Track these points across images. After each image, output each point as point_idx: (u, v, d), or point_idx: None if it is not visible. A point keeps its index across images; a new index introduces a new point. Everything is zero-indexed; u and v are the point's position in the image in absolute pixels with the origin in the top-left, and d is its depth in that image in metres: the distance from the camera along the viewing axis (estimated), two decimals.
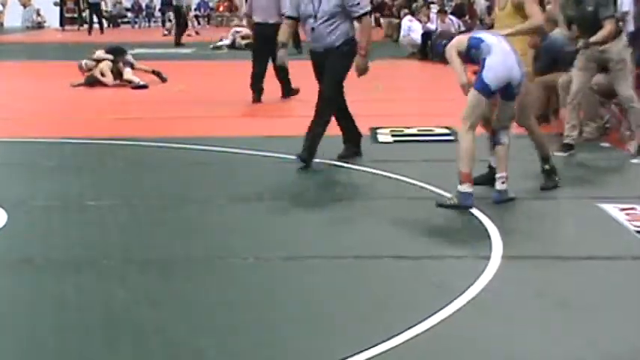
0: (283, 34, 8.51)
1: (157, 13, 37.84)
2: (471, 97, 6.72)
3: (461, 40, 6.92)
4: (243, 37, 24.15)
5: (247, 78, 12.72)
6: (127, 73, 14.86)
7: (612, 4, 8.81)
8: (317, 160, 8.25)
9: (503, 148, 6.96)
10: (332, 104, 8.32)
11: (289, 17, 8.48)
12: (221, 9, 39.05)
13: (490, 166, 7.19)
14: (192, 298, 4.95)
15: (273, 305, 4.84)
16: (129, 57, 15.41)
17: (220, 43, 24.51)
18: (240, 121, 11.01)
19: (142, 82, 14.68)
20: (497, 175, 6.90)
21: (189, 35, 27.95)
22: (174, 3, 25.66)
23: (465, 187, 6.66)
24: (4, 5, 32.39)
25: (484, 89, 6.66)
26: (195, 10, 36.06)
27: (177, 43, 25.12)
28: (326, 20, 8.12)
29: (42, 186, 7.62)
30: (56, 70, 16.55)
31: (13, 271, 5.49)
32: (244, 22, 32.86)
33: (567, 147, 8.80)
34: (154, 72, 15.36)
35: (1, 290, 5.17)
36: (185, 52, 23.48)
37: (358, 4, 8.14)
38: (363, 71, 8.40)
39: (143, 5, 38.87)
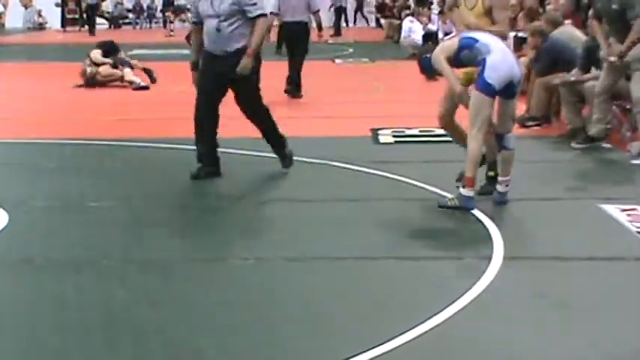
0: (194, 51, 8.01)
1: (159, 14, 37.85)
2: (474, 100, 6.60)
3: (448, 46, 6.75)
4: None
5: None
6: (128, 74, 14.84)
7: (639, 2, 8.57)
8: (318, 161, 8.25)
9: (510, 153, 6.87)
10: (260, 108, 8.05)
11: (194, 23, 7.95)
12: None
13: (488, 177, 7.12)
14: (192, 298, 4.95)
15: (273, 305, 4.83)
16: (122, 54, 15.38)
17: None
18: (241, 122, 10.99)
19: (142, 83, 14.66)
20: (501, 178, 6.86)
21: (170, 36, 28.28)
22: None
23: (468, 191, 6.64)
24: (5, 6, 32.39)
25: (487, 89, 6.54)
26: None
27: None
28: (224, 20, 7.62)
29: (42, 186, 7.62)
30: (57, 71, 16.55)
31: (14, 271, 5.49)
32: None
33: (590, 139, 8.91)
34: (145, 70, 15.28)
35: (2, 290, 5.17)
36: (186, 53, 23.45)
37: (255, 4, 7.65)
38: (244, 70, 7.60)
39: (144, 6, 38.89)
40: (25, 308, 4.81)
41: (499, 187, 6.85)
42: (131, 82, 14.69)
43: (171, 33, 30.39)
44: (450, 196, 6.80)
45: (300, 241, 6.06)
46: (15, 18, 35.29)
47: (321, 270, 5.45)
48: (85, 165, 8.64)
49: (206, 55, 7.77)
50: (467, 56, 6.65)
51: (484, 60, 6.53)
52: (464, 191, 6.64)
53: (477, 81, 6.61)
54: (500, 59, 6.55)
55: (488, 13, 6.95)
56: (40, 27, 37.11)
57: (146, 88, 14.59)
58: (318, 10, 13.81)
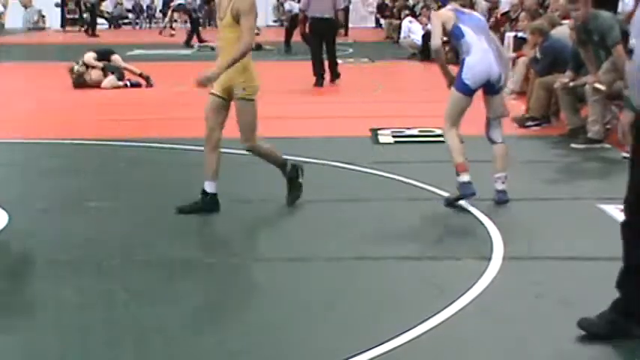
0: None
1: (158, 14, 37.81)
2: (452, 97, 6.86)
3: (449, 17, 6.86)
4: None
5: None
6: (108, 81, 14.77)
7: (616, 28, 8.75)
8: (317, 161, 8.25)
9: (500, 147, 6.96)
10: None
11: None
12: None
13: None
14: (193, 299, 4.95)
15: (273, 306, 4.83)
16: (119, 59, 15.35)
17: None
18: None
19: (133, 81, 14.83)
20: (497, 175, 6.89)
21: (172, 36, 28.27)
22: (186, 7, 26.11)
23: (464, 177, 6.72)
24: (5, 6, 32.42)
25: (464, 89, 6.79)
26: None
27: (187, 44, 25.20)
28: None
29: (42, 187, 7.63)
30: (57, 71, 16.53)
31: (14, 271, 5.49)
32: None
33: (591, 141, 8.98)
34: (141, 75, 15.24)
35: (2, 291, 5.16)
36: (185, 54, 23.47)
37: None
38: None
39: (144, 6, 38.86)
40: (24, 308, 4.81)
41: (497, 185, 6.86)
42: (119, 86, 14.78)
43: (173, 33, 30.34)
44: (447, 195, 6.82)
45: (300, 242, 6.07)
46: (15, 18, 35.28)
47: (321, 270, 5.45)
48: (84, 165, 8.64)
49: None
50: (454, 44, 6.95)
51: (464, 60, 6.78)
52: (460, 178, 6.73)
53: (456, 79, 6.85)
54: (478, 60, 6.75)
55: (238, 21, 6.35)
56: (40, 27, 37.10)
57: (138, 85, 14.73)
58: (342, 9, 14.65)
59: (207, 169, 6.61)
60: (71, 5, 36.67)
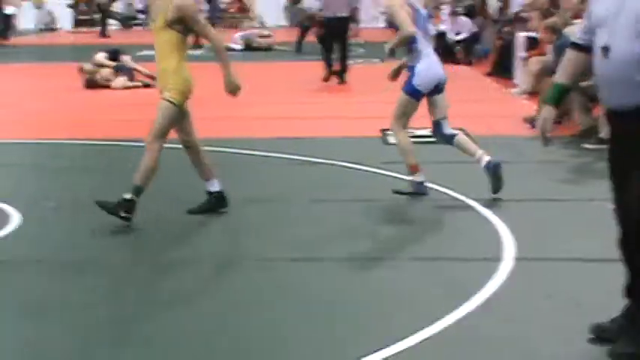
0: None
1: None
2: (401, 100, 7.11)
3: (406, 19, 6.94)
4: (262, 37, 24.25)
5: (258, 79, 12.74)
6: (118, 82, 14.79)
7: None
8: (327, 161, 8.25)
9: (460, 136, 7.11)
10: None
11: None
12: (232, 10, 39.04)
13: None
14: (201, 298, 4.95)
15: (286, 306, 4.83)
16: (128, 59, 15.38)
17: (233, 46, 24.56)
18: (254, 123, 11.00)
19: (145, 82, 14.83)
20: (478, 154, 6.97)
21: None
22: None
23: (418, 177, 7.01)
24: (18, 7, 32.49)
25: (414, 93, 7.06)
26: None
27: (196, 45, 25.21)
28: None
29: (54, 187, 7.65)
30: (68, 71, 16.56)
31: (26, 270, 5.50)
32: (255, 23, 32.82)
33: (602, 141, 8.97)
34: (152, 78, 15.25)
35: (14, 290, 5.18)
36: (193, 54, 23.46)
37: None
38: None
39: None
40: (34, 308, 4.82)
41: (483, 161, 6.93)
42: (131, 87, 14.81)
43: None
44: (457, 196, 6.82)
45: (312, 242, 6.06)
46: (27, 19, 35.40)
47: (333, 271, 5.45)
48: (95, 165, 8.66)
49: None
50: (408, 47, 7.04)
51: (414, 67, 7.04)
52: (414, 178, 7.01)
53: (406, 84, 7.08)
54: (428, 66, 7.03)
55: (170, 24, 6.30)
56: (52, 28, 37.19)
57: (148, 85, 14.79)
58: (356, 8, 14.71)
59: (200, 172, 6.63)
60: (83, 6, 36.75)
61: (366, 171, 8.07)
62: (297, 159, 8.46)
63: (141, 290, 5.08)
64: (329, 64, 15.07)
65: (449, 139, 7.13)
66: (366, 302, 4.89)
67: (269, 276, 5.36)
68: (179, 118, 6.50)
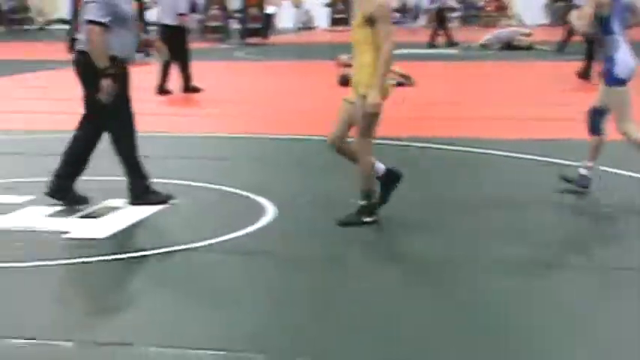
0: None
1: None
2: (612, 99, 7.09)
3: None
4: (525, 35, 23.95)
5: (519, 79, 12.52)
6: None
7: None
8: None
9: None
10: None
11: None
12: (489, 9, 38.65)
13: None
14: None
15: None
16: None
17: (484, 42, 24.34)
18: (497, 123, 10.83)
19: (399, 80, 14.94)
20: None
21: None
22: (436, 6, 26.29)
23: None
24: (278, 7, 33.75)
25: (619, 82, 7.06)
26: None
27: (451, 43, 25.24)
28: None
29: (309, 184, 7.87)
30: (326, 69, 16.97)
31: (287, 265, 5.69)
32: (513, 22, 32.35)
33: None
34: (402, 76, 15.33)
35: (266, 280, 5.36)
36: (445, 53, 23.46)
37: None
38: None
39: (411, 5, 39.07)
40: (282, 295, 4.96)
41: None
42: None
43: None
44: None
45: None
46: (286, 18, 36.74)
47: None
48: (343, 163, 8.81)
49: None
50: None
51: (612, 57, 6.99)
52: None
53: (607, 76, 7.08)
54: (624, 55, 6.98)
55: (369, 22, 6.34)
56: (309, 27, 38.36)
57: (401, 84, 14.89)
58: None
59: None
60: (340, 5, 37.65)
61: (630, 177, 7.78)
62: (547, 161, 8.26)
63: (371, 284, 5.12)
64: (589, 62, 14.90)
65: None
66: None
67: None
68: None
